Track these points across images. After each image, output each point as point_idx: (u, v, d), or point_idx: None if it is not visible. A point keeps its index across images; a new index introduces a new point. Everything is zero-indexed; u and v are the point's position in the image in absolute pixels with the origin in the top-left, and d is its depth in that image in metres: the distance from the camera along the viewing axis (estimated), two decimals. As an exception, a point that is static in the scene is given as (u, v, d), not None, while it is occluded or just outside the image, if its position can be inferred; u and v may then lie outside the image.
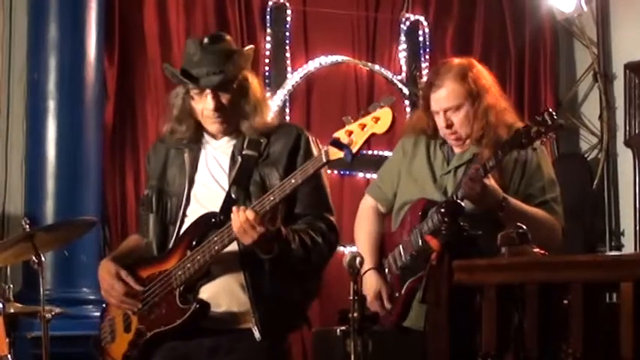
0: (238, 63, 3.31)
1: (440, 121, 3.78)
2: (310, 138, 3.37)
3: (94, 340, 3.46)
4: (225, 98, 3.29)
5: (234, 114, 3.32)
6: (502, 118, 3.78)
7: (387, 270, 3.86)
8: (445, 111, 3.75)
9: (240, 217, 3.07)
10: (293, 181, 3.09)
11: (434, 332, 3.31)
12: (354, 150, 2.98)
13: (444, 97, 3.75)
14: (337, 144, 2.99)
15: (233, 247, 3.19)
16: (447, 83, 3.75)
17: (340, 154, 3.00)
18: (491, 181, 3.59)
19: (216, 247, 3.16)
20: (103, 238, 5.63)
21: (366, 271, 3.83)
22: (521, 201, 3.70)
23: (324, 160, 3.05)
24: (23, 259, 4.50)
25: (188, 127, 3.36)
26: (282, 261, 3.19)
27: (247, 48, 3.43)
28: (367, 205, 4.10)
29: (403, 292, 3.76)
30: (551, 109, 3.57)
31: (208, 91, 3.27)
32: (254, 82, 3.38)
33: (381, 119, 2.96)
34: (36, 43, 5.48)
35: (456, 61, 3.86)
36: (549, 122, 3.49)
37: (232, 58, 3.30)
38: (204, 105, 3.30)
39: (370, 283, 3.86)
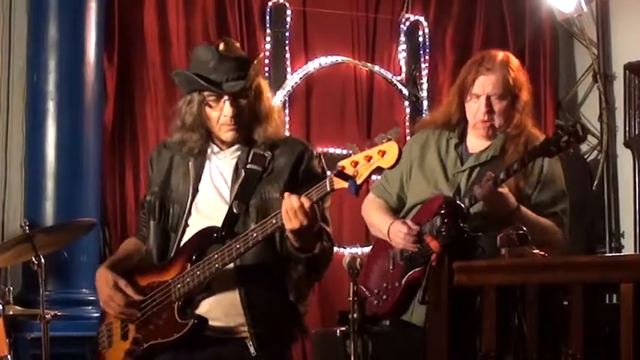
0: (257, 69, 3.30)
1: (480, 106, 3.75)
2: (314, 153, 3.35)
3: (92, 343, 3.46)
4: (242, 105, 3.26)
5: (248, 121, 3.30)
6: (529, 120, 3.81)
7: (391, 260, 3.85)
8: (489, 96, 3.76)
9: (293, 201, 3.03)
10: None
11: (434, 333, 3.31)
12: (359, 182, 2.94)
13: (494, 82, 3.75)
14: (342, 174, 2.95)
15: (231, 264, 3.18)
16: (499, 70, 3.76)
17: (345, 185, 2.96)
18: (505, 190, 3.58)
19: (217, 265, 3.15)
20: (102, 239, 5.62)
21: (389, 227, 3.81)
22: (531, 207, 3.68)
23: (328, 189, 3.02)
24: (23, 259, 4.51)
25: (201, 136, 3.31)
26: (314, 262, 3.18)
27: (260, 55, 3.43)
28: (372, 198, 4.06)
29: (403, 282, 3.75)
30: (584, 123, 3.59)
31: (226, 97, 3.24)
32: (266, 89, 3.37)
33: (387, 153, 2.92)
34: (36, 44, 5.47)
35: (500, 52, 3.87)
36: (580, 134, 3.49)
37: (250, 64, 3.28)
38: (221, 112, 3.26)
39: (397, 227, 3.79)
